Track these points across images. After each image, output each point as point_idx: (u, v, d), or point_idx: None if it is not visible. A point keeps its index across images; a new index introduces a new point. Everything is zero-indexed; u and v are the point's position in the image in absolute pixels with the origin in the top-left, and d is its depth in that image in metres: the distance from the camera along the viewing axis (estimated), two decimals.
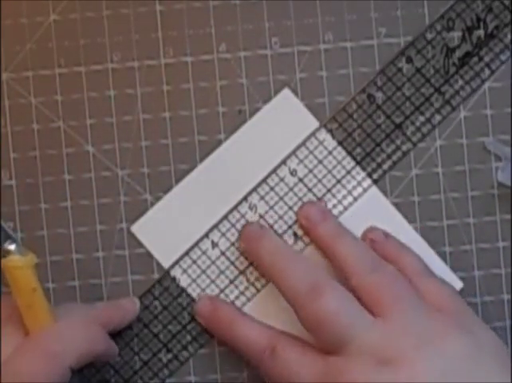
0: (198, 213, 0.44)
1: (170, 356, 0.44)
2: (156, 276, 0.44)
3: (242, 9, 0.44)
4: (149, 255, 0.44)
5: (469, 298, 0.44)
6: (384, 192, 0.44)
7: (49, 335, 0.39)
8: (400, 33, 0.44)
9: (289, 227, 0.44)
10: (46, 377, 0.38)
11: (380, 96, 0.44)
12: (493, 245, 0.44)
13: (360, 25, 0.44)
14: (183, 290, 0.44)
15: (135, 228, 0.44)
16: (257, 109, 0.44)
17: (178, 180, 0.44)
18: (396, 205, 0.44)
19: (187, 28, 0.44)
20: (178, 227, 0.44)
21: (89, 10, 0.44)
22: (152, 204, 0.44)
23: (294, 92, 0.44)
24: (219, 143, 0.44)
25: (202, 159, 0.44)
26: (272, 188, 0.44)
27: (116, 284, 0.44)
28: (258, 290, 0.44)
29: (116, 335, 0.43)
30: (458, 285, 0.44)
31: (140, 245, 0.44)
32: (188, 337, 0.44)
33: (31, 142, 0.44)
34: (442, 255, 0.44)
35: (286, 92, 0.44)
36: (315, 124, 0.44)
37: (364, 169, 0.44)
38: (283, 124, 0.44)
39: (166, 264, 0.44)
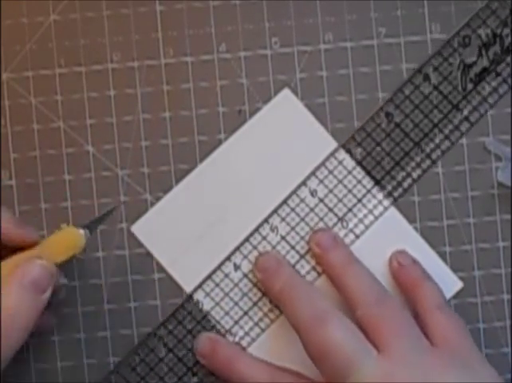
0: (198, 213, 0.44)
1: (195, 379, 0.44)
2: (156, 276, 0.44)
3: (242, 9, 0.44)
4: (149, 255, 0.44)
5: (469, 298, 0.44)
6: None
7: None
8: (400, 33, 0.44)
9: None
10: None
11: (397, 114, 0.44)
12: (493, 245, 0.44)
13: (360, 25, 0.44)
14: (207, 314, 0.44)
15: (135, 228, 0.44)
16: (258, 109, 0.44)
17: (178, 180, 0.44)
18: (396, 205, 0.44)
19: (187, 28, 0.44)
20: (178, 227, 0.44)
21: (89, 10, 0.44)
22: (152, 204, 0.44)
23: (294, 92, 0.44)
24: (219, 143, 0.44)
25: (202, 159, 0.44)
26: (293, 209, 0.44)
27: (116, 284, 0.44)
28: (282, 312, 0.43)
29: (141, 362, 0.44)
30: (458, 285, 0.44)
31: (140, 245, 0.44)
32: None
33: (31, 142, 0.44)
34: (442, 255, 0.44)
35: (286, 92, 0.44)
36: (315, 123, 0.44)
37: (384, 188, 0.44)
38: (283, 124, 0.44)
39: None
